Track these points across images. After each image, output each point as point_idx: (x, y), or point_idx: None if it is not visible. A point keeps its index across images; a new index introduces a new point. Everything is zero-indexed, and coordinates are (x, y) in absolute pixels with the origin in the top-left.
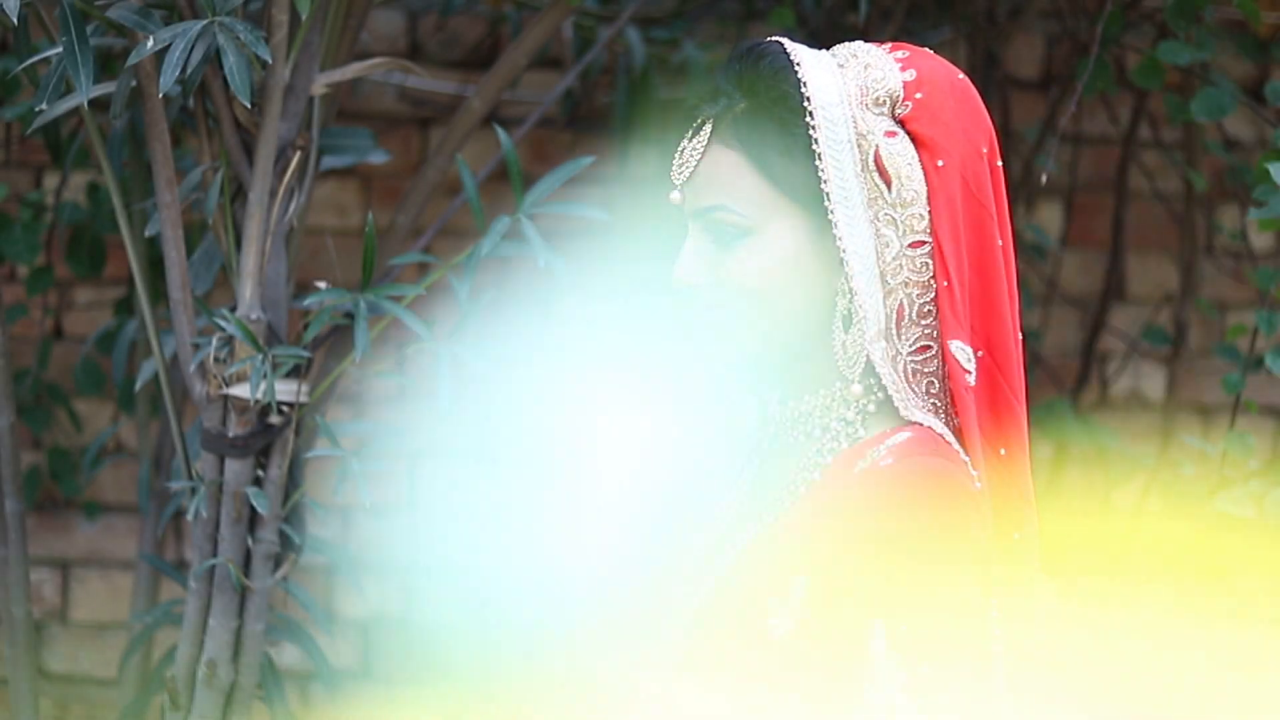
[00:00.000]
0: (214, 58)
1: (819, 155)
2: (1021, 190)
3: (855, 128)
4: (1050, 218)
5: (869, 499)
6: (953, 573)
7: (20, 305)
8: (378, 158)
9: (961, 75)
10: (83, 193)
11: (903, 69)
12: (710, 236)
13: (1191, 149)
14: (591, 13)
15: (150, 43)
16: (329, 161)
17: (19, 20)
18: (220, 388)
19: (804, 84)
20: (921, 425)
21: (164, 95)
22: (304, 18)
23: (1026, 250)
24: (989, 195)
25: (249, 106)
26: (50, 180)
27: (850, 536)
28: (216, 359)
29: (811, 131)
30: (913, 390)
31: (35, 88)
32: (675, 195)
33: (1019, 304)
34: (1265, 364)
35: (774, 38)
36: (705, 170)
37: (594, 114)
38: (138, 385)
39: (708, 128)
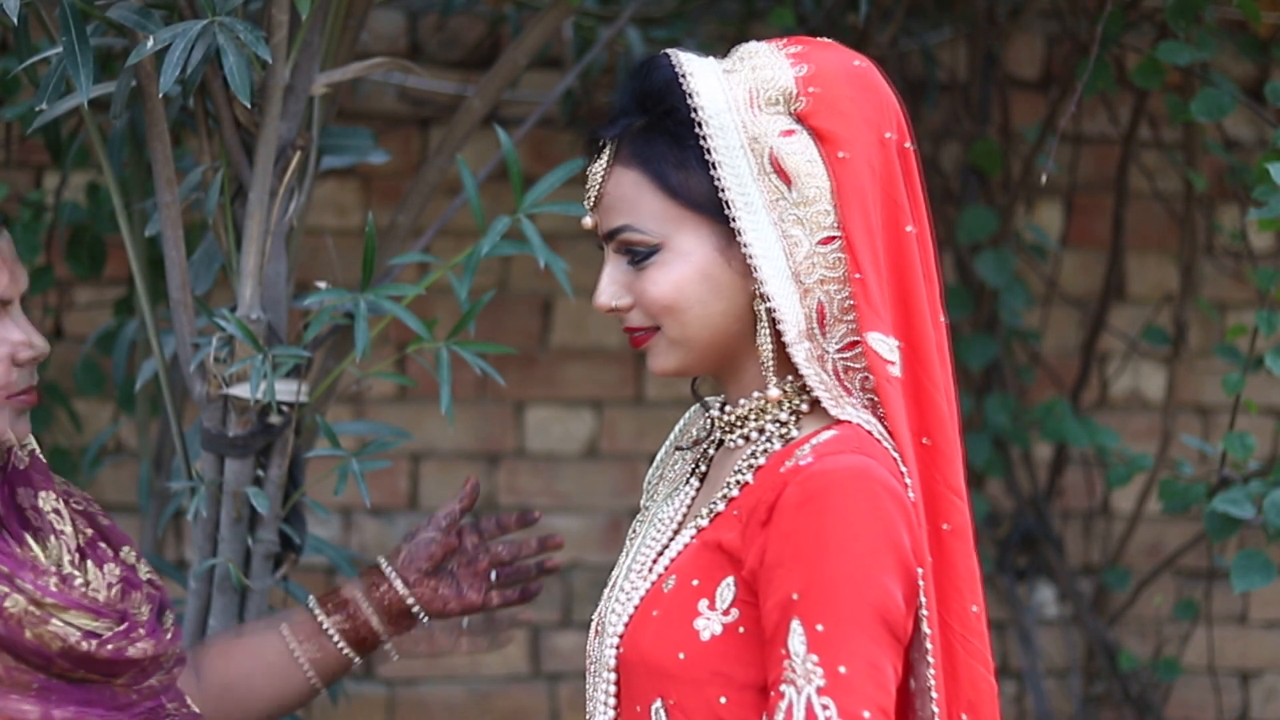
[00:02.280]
0: (214, 58)
1: (714, 164)
2: (1021, 190)
3: (746, 132)
4: (1050, 218)
5: (789, 498)
6: (871, 570)
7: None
8: (378, 158)
9: (859, 62)
10: (83, 193)
11: (794, 64)
12: (624, 257)
13: (1191, 149)
14: (591, 13)
15: (150, 43)
16: (329, 161)
17: (19, 20)
18: (220, 388)
19: (691, 95)
20: (850, 423)
21: (164, 95)
22: (304, 18)
23: (1026, 250)
24: (898, 182)
25: (249, 106)
26: (50, 180)
27: (770, 536)
28: (216, 359)
29: (704, 141)
30: (845, 387)
31: (35, 88)
32: (587, 220)
33: (939, 289)
34: (1265, 364)
35: (666, 50)
36: (610, 192)
37: (594, 114)
38: (138, 385)
39: (605, 153)
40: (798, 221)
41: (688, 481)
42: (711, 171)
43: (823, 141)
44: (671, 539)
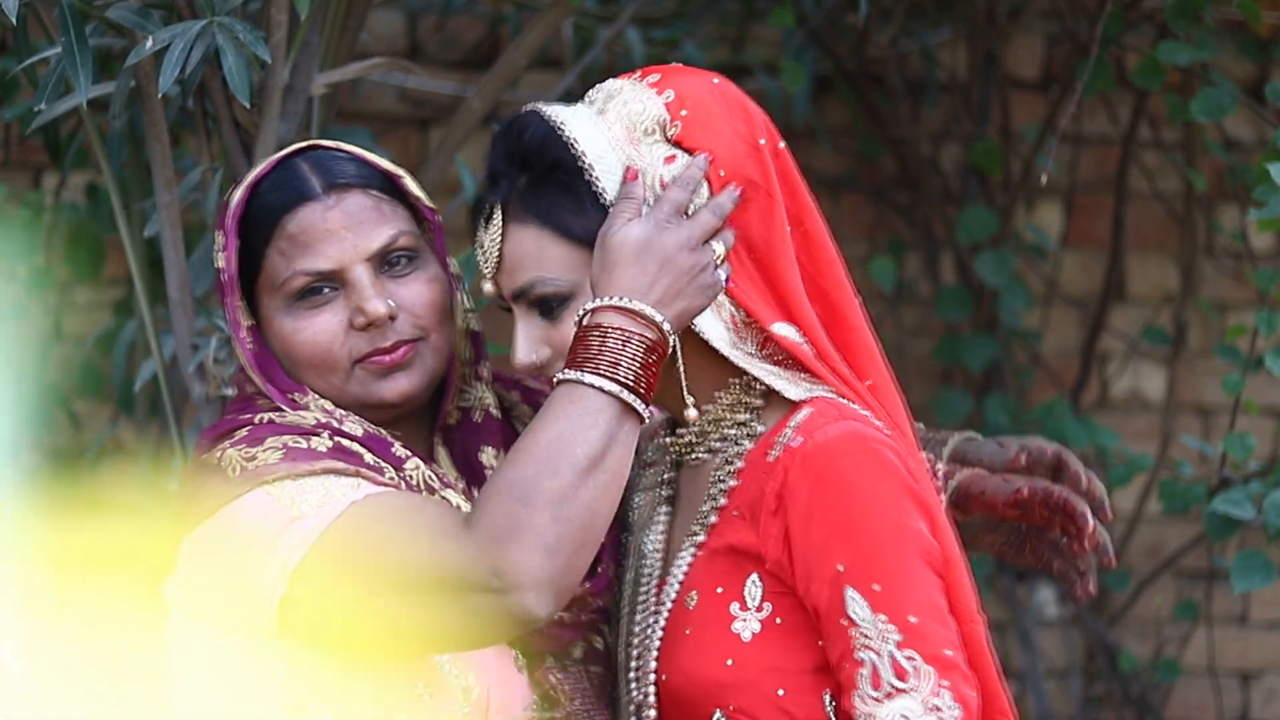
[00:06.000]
0: (213, 58)
1: (609, 204)
2: (1021, 190)
3: (637, 153)
4: (1050, 218)
5: (796, 481)
6: (901, 520)
7: (20, 305)
8: None
9: (717, 79)
10: (82, 193)
11: (659, 93)
12: (536, 312)
13: (1191, 149)
14: (591, 13)
15: (149, 43)
16: None
17: (18, 20)
18: (219, 388)
19: (573, 143)
20: (816, 398)
21: (163, 95)
22: (303, 18)
23: (1026, 250)
24: (774, 184)
25: (248, 107)
26: (49, 181)
27: (791, 523)
28: (215, 360)
29: (594, 184)
30: (787, 375)
31: (34, 88)
32: (488, 286)
33: (843, 268)
34: (1265, 364)
35: (530, 106)
36: (510, 252)
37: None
38: (137, 386)
39: (496, 215)
40: None
41: (658, 509)
42: (604, 199)
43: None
44: (665, 564)
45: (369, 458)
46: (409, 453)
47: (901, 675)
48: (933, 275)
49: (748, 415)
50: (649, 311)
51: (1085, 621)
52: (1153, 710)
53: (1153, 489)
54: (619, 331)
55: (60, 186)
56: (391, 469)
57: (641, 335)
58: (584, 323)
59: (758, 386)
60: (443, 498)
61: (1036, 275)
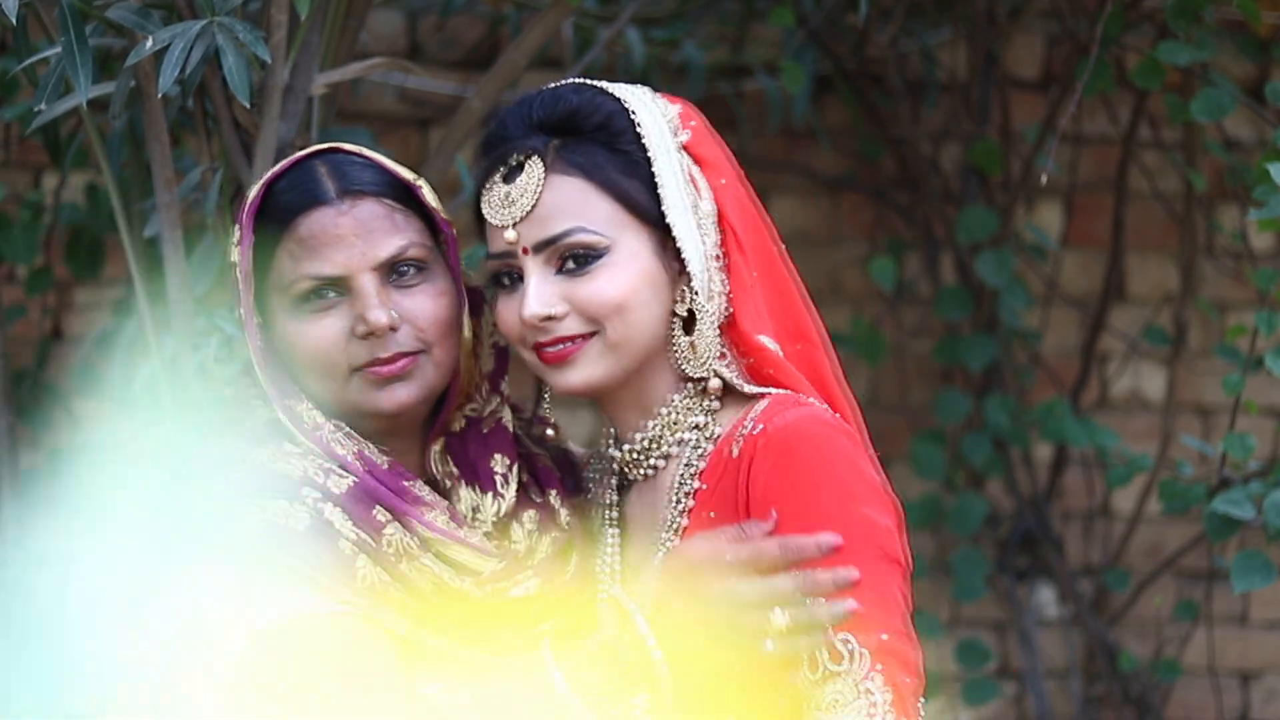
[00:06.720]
0: (213, 58)
1: (652, 161)
2: (1021, 190)
3: (670, 141)
4: (1050, 218)
5: (758, 468)
6: (849, 505)
7: (20, 305)
8: None
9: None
10: (82, 193)
11: (671, 103)
12: (555, 266)
13: (1191, 149)
14: (591, 13)
15: (149, 43)
16: None
17: (18, 20)
18: (219, 388)
19: (624, 99)
20: (772, 391)
21: (163, 95)
22: (303, 18)
23: (1026, 250)
24: (760, 207)
25: (248, 107)
26: (49, 181)
27: (753, 505)
28: (216, 359)
29: (644, 140)
30: (744, 378)
31: (34, 88)
32: (510, 234)
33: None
34: (1265, 364)
35: (577, 80)
36: (549, 199)
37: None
38: (137, 386)
39: (533, 165)
40: (705, 232)
41: (605, 531)
42: (653, 165)
43: (706, 168)
44: (626, 583)
45: (345, 540)
46: (389, 515)
47: (836, 658)
48: (933, 275)
49: (705, 418)
50: (651, 647)
51: (1085, 621)
52: (1153, 710)
53: (1153, 489)
54: (612, 656)
55: (60, 186)
56: (370, 540)
57: (626, 670)
58: (603, 610)
59: (708, 396)
60: (423, 565)
61: (1036, 275)
